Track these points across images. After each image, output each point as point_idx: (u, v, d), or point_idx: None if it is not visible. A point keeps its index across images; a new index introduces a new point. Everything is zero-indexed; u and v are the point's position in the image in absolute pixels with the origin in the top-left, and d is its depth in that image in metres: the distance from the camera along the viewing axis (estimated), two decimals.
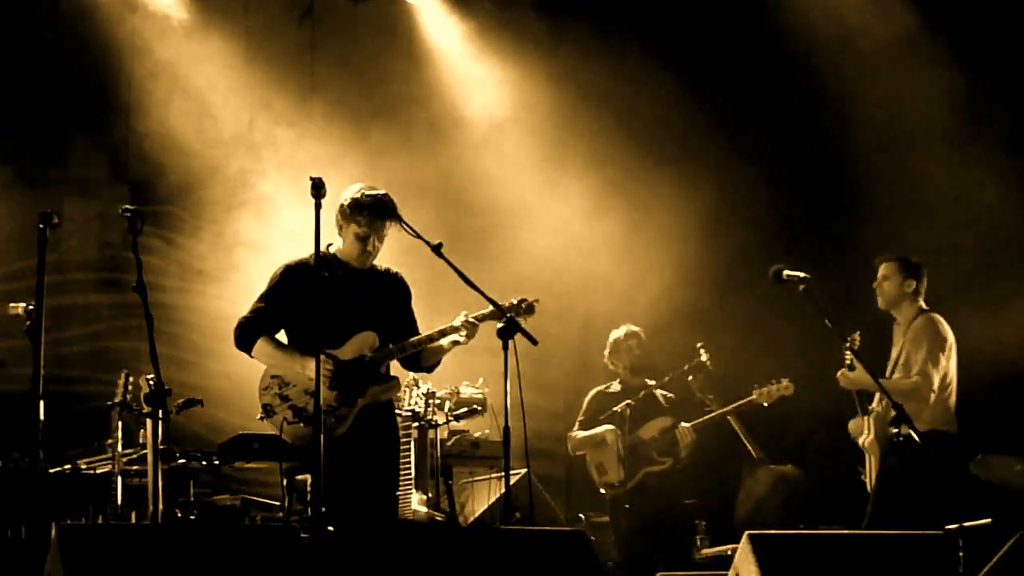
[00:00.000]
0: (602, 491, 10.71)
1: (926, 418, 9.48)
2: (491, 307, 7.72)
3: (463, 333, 7.85)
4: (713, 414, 10.55)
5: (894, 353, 9.81)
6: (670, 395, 10.71)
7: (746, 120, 12.53)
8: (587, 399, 10.90)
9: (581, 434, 10.77)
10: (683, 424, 10.50)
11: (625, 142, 12.48)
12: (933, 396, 9.49)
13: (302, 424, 7.66)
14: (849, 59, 11.87)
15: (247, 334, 7.88)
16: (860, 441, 9.78)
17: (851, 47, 11.86)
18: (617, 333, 10.85)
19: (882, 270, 9.84)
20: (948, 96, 11.52)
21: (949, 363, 9.61)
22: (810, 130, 12.33)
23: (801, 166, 12.46)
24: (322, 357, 7.41)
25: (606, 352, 10.88)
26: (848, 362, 9.64)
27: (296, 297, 7.82)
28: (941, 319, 9.69)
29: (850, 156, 12.15)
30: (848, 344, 9.54)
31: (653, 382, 10.62)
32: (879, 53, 11.82)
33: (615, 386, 10.82)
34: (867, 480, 9.72)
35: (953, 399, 9.65)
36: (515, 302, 7.81)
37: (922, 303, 9.78)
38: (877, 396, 9.75)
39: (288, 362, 7.80)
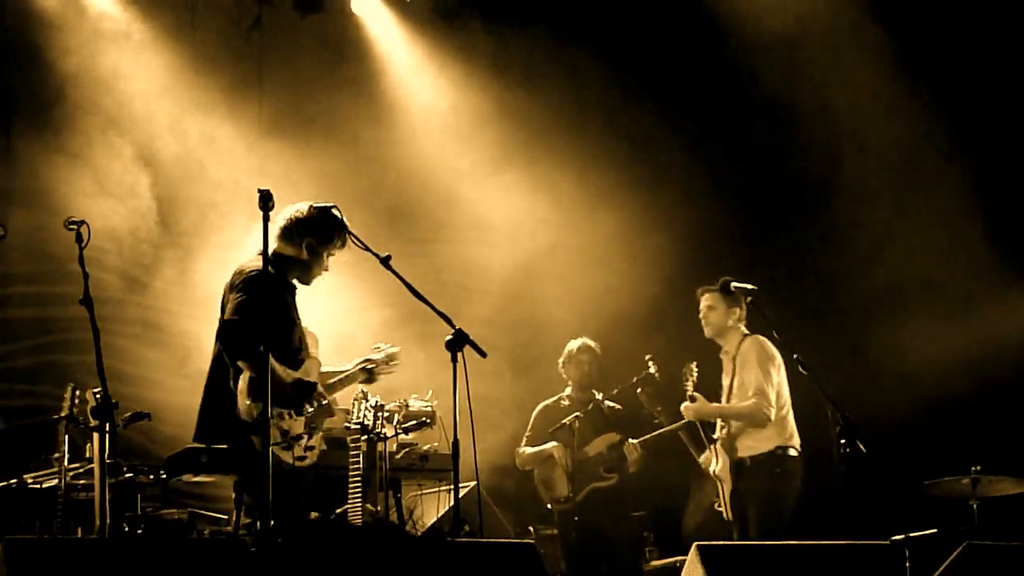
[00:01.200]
0: (549, 506, 10.72)
1: (770, 435, 9.58)
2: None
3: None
4: (661, 431, 10.58)
5: (726, 382, 9.92)
6: (618, 408, 10.75)
7: (701, 130, 12.62)
8: (534, 413, 10.92)
9: (529, 450, 10.79)
10: (630, 440, 10.54)
11: (577, 151, 12.51)
12: (773, 412, 9.58)
13: (286, 447, 7.64)
14: (807, 76, 11.97)
15: (250, 340, 7.44)
16: (711, 471, 9.87)
17: (809, 59, 11.97)
18: (572, 345, 10.90)
19: (706, 300, 9.92)
20: (904, 120, 11.67)
21: (780, 380, 9.69)
22: (765, 142, 12.40)
23: (759, 178, 12.53)
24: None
25: (560, 361, 10.93)
26: (689, 394, 9.76)
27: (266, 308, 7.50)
28: (766, 340, 9.77)
29: (806, 170, 12.22)
30: (685, 376, 9.71)
31: (600, 395, 10.66)
32: (838, 67, 11.94)
33: (563, 400, 10.84)
34: (723, 509, 9.78)
35: (790, 415, 9.74)
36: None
37: (744, 328, 9.85)
38: (719, 423, 9.85)
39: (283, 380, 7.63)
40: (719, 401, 9.89)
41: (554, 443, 10.55)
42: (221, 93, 11.79)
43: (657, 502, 11.21)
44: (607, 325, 11.68)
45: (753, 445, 9.65)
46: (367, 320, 10.94)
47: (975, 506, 9.58)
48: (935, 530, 9.72)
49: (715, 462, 9.85)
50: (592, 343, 10.89)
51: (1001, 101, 11.72)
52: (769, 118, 12.24)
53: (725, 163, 12.64)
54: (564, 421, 10.47)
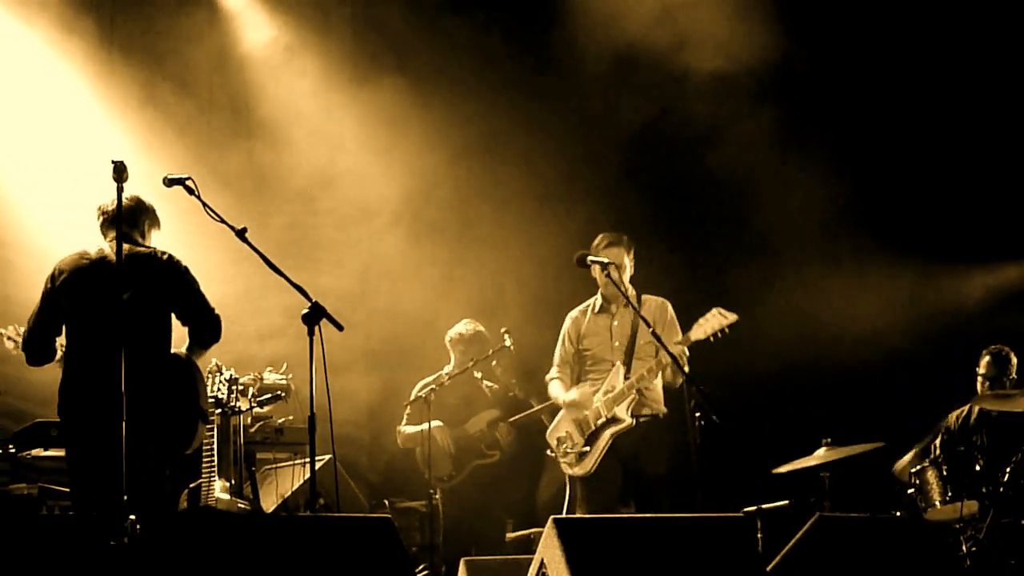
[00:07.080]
0: (432, 485, 10.58)
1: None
2: None
3: None
4: (533, 409, 10.63)
5: (617, 342, 9.42)
6: (495, 386, 10.82)
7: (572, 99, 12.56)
8: (414, 390, 10.82)
9: (409, 429, 10.75)
10: (501, 424, 10.68)
11: (435, 113, 12.31)
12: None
13: None
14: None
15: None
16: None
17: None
18: (465, 328, 10.86)
19: (608, 254, 9.26)
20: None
21: None
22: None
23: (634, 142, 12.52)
24: None
25: (448, 339, 10.88)
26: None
27: None
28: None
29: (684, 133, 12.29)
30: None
31: (480, 374, 10.69)
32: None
33: (444, 378, 10.75)
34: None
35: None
36: None
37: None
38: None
39: None
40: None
41: (436, 423, 10.48)
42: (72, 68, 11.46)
43: (519, 477, 11.23)
44: (458, 300, 11.69)
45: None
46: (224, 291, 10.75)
47: (826, 478, 9.72)
48: (787, 502, 9.89)
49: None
50: (481, 328, 10.88)
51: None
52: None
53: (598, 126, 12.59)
54: (420, 395, 10.47)
